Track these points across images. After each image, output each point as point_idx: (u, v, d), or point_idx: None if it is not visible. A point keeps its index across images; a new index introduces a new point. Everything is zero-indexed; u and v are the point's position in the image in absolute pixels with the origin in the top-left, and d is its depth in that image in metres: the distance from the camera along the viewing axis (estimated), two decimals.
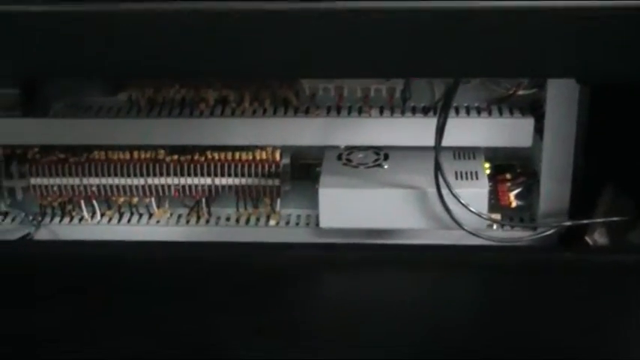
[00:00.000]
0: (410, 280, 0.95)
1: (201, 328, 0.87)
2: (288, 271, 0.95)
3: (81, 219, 1.04)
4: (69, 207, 1.03)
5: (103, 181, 1.00)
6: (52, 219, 1.04)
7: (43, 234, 1.04)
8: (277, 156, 0.99)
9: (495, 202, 0.97)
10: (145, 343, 0.84)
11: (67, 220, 1.04)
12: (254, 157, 0.99)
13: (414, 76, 0.91)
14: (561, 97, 0.92)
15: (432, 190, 0.91)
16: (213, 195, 1.01)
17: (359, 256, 0.97)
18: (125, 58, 0.69)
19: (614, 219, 0.93)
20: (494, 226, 0.98)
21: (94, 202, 1.02)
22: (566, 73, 0.71)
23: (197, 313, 0.90)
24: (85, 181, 1.00)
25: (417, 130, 0.95)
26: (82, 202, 1.02)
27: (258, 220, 1.03)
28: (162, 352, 0.84)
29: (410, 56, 0.64)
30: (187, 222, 1.03)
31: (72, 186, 1.00)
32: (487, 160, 0.98)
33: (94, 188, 1.00)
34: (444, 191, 0.91)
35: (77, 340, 0.86)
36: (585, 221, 0.94)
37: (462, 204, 0.90)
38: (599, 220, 0.94)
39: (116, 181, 1.00)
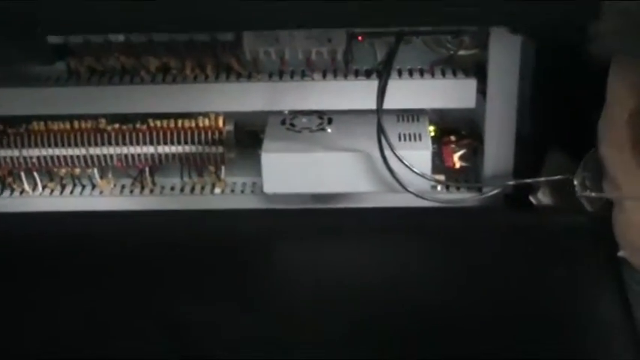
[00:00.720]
0: (356, 245, 0.95)
1: (147, 295, 0.87)
2: (235, 238, 0.95)
3: (22, 191, 1.02)
4: (9, 179, 1.01)
5: (44, 152, 0.98)
6: None
7: None
8: (220, 123, 0.97)
9: (440, 164, 0.97)
10: (89, 309, 0.84)
11: (7, 193, 1.02)
12: (197, 125, 0.97)
13: (351, 27, 0.90)
14: (503, 57, 0.91)
15: (376, 153, 0.91)
16: (157, 164, 0.99)
17: (305, 222, 0.98)
18: None
19: (558, 178, 0.93)
20: (439, 188, 0.98)
21: (35, 173, 1.01)
22: (499, 21, 0.71)
23: (143, 281, 0.89)
24: (25, 152, 0.98)
25: (360, 94, 0.94)
26: (23, 174, 1.00)
27: (203, 188, 1.02)
28: (107, 316, 0.83)
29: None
30: (131, 192, 1.02)
31: (11, 158, 0.98)
32: (432, 123, 0.98)
33: (35, 160, 0.98)
34: (388, 154, 0.90)
35: (19, 312, 0.85)
36: (529, 180, 0.94)
37: (406, 165, 0.90)
38: (542, 179, 0.94)
39: (57, 151, 0.98)
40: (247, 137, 1.00)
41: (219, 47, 0.95)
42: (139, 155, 0.98)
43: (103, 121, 0.98)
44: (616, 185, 0.55)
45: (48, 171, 1.01)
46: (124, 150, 0.98)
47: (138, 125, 0.98)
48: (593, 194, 0.60)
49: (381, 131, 0.89)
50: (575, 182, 0.66)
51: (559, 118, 0.95)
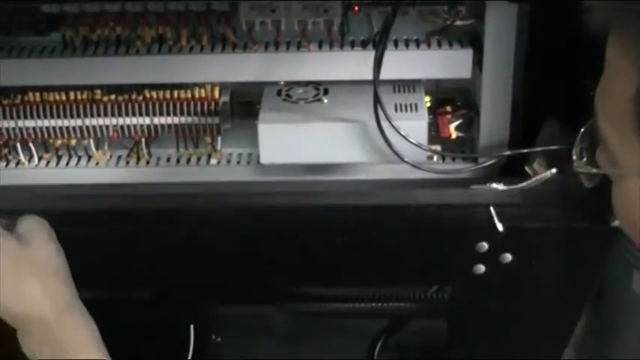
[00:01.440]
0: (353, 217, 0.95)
1: (141, 266, 0.87)
2: (232, 210, 0.95)
3: (18, 163, 1.01)
4: (4, 151, 1.01)
5: (39, 123, 0.98)
6: None
7: None
8: (216, 93, 0.97)
9: (436, 134, 0.97)
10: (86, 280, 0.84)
11: (3, 164, 1.02)
12: (193, 96, 0.97)
13: None
14: (499, 27, 0.91)
15: (373, 124, 0.91)
16: (153, 135, 0.99)
17: (302, 192, 0.98)
18: None
19: (553, 148, 0.93)
20: (435, 158, 0.98)
21: (31, 145, 1.00)
22: None
23: (138, 251, 0.90)
24: (21, 123, 0.98)
25: (356, 64, 0.94)
26: (19, 146, 1.00)
27: (199, 159, 1.02)
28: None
29: None
30: (127, 163, 1.02)
31: (7, 129, 0.98)
32: (428, 93, 0.98)
33: (30, 131, 0.98)
34: (384, 124, 0.90)
35: None
36: (525, 150, 0.94)
37: (402, 135, 0.90)
38: (538, 149, 0.94)
39: (52, 122, 0.98)
40: (243, 108, 1.00)
41: (215, 17, 0.95)
42: (134, 126, 0.98)
43: (98, 92, 0.97)
44: (616, 161, 0.54)
45: (44, 142, 1.01)
46: (120, 121, 0.98)
47: (134, 96, 0.97)
48: (593, 170, 0.59)
49: (377, 102, 0.89)
50: (574, 157, 0.64)
51: (555, 87, 0.95)
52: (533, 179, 0.90)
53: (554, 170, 0.90)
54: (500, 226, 0.90)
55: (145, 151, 1.01)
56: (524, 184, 0.90)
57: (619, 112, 0.51)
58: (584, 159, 0.61)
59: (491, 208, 0.90)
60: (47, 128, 0.98)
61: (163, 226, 0.94)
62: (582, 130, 0.61)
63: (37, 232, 0.79)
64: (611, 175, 0.56)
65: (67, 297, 0.78)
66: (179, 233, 0.95)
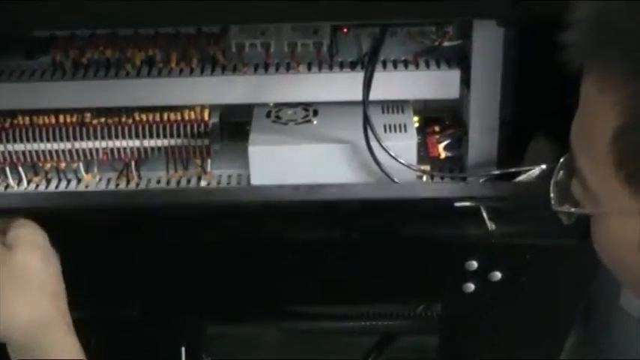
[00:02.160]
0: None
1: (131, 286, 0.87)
2: (221, 229, 0.95)
3: (7, 186, 1.01)
4: None
5: (29, 146, 0.98)
6: None
7: None
8: (206, 115, 0.98)
9: (425, 154, 0.98)
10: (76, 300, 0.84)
11: None
12: (182, 117, 0.98)
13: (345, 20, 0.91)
14: (486, 47, 0.92)
15: (362, 144, 0.92)
16: (142, 157, 1.00)
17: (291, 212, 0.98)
18: None
19: (541, 167, 0.94)
20: (425, 178, 0.99)
21: (20, 168, 1.00)
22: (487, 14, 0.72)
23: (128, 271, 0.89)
24: (10, 147, 0.98)
25: (345, 85, 0.95)
26: (7, 169, 1.00)
27: (189, 181, 1.02)
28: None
29: None
30: (117, 186, 1.02)
31: None
32: (416, 113, 0.99)
33: (20, 154, 0.98)
34: (374, 144, 0.91)
35: None
36: (513, 169, 0.95)
37: (392, 156, 0.91)
38: (526, 168, 0.95)
39: (42, 146, 0.98)
40: (233, 129, 1.01)
41: (205, 39, 0.96)
42: (124, 149, 0.98)
43: (88, 115, 0.97)
44: (596, 200, 0.52)
45: (33, 165, 1.00)
46: (110, 143, 0.98)
47: (123, 119, 0.98)
48: (572, 210, 0.57)
49: (367, 122, 0.90)
50: (552, 194, 0.62)
51: (542, 105, 0.96)
52: (524, 176, 0.91)
53: (543, 166, 0.90)
54: (490, 225, 0.90)
55: (134, 173, 1.01)
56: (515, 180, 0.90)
57: (597, 154, 0.49)
58: (560, 178, 0.59)
59: (481, 208, 0.91)
60: (37, 151, 0.98)
61: (153, 244, 0.95)
62: (561, 161, 0.59)
63: (24, 239, 0.76)
64: (591, 213, 0.54)
65: (48, 310, 0.74)
66: (169, 252, 0.95)
